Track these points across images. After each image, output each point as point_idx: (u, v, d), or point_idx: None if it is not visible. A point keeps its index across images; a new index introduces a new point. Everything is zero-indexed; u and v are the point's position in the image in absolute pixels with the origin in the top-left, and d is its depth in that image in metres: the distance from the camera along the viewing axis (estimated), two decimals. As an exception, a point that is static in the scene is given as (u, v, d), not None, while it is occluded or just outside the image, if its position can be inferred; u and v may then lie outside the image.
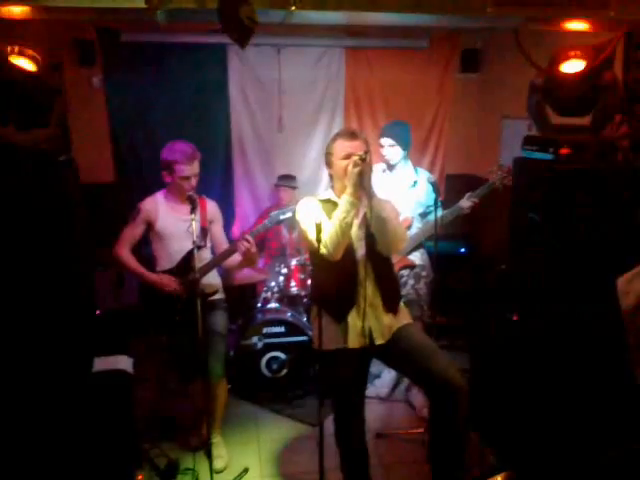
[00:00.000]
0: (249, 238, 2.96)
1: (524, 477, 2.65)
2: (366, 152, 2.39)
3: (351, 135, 2.52)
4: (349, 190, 2.36)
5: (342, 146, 2.48)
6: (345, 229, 2.36)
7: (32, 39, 2.38)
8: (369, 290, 2.51)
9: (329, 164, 2.58)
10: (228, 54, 4.60)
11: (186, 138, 3.10)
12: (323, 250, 2.37)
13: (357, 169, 2.33)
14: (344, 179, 2.42)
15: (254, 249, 2.98)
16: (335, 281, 2.50)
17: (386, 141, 3.54)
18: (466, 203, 3.48)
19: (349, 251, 2.47)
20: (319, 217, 2.40)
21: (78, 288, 2.48)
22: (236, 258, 3.11)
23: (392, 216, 2.53)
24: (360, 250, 2.52)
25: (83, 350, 2.60)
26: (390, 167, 3.61)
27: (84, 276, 2.60)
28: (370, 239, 2.50)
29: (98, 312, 3.76)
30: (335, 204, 2.49)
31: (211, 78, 4.65)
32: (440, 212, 3.22)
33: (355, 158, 2.35)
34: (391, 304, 2.59)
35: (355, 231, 2.50)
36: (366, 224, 2.50)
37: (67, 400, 2.44)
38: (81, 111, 4.34)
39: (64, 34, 4.29)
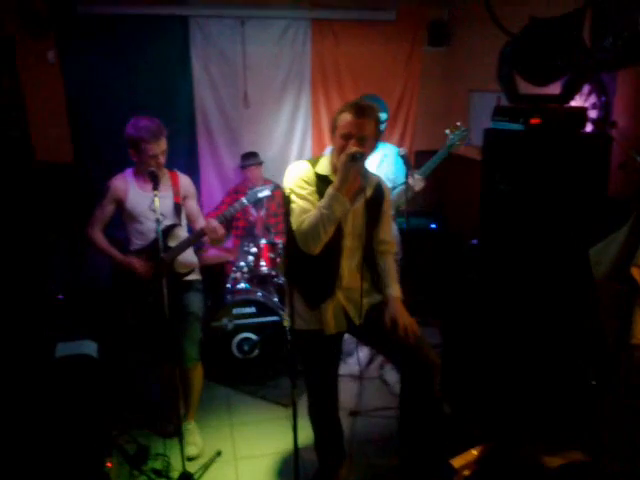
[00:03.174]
0: (212, 223, 2.83)
1: (500, 449, 2.66)
2: (362, 153, 2.14)
3: (359, 111, 2.17)
4: (337, 182, 2.15)
5: (345, 122, 2.19)
6: (327, 226, 2.14)
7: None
8: (352, 276, 2.40)
9: (333, 135, 2.28)
10: (190, 26, 4.44)
11: (147, 114, 2.96)
12: (300, 243, 2.16)
13: (350, 164, 2.10)
14: (339, 159, 2.18)
15: (222, 231, 2.86)
16: (313, 269, 2.34)
17: None
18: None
19: (335, 241, 2.28)
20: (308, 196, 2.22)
21: (26, 273, 2.35)
22: (206, 238, 2.99)
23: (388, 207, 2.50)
24: (349, 240, 2.34)
25: (41, 336, 2.50)
26: None
27: (34, 260, 2.47)
28: (368, 229, 2.35)
29: (60, 296, 3.65)
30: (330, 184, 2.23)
31: (173, 51, 4.48)
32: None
33: (352, 150, 2.11)
34: (373, 289, 2.52)
35: (349, 220, 2.30)
36: (364, 214, 2.29)
37: (27, 388, 2.34)
38: (37, 87, 4.20)
39: (14, 6, 4.07)
